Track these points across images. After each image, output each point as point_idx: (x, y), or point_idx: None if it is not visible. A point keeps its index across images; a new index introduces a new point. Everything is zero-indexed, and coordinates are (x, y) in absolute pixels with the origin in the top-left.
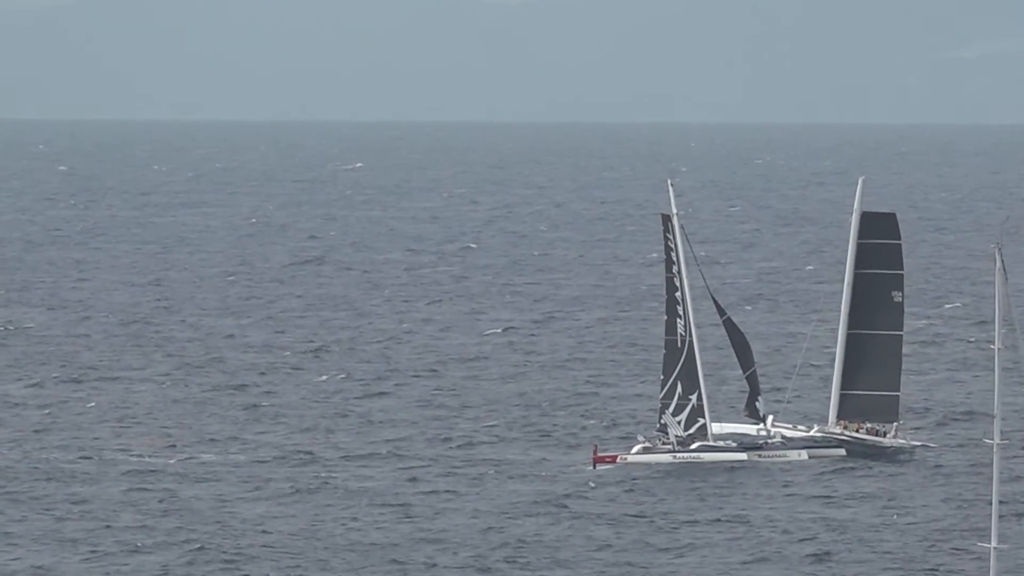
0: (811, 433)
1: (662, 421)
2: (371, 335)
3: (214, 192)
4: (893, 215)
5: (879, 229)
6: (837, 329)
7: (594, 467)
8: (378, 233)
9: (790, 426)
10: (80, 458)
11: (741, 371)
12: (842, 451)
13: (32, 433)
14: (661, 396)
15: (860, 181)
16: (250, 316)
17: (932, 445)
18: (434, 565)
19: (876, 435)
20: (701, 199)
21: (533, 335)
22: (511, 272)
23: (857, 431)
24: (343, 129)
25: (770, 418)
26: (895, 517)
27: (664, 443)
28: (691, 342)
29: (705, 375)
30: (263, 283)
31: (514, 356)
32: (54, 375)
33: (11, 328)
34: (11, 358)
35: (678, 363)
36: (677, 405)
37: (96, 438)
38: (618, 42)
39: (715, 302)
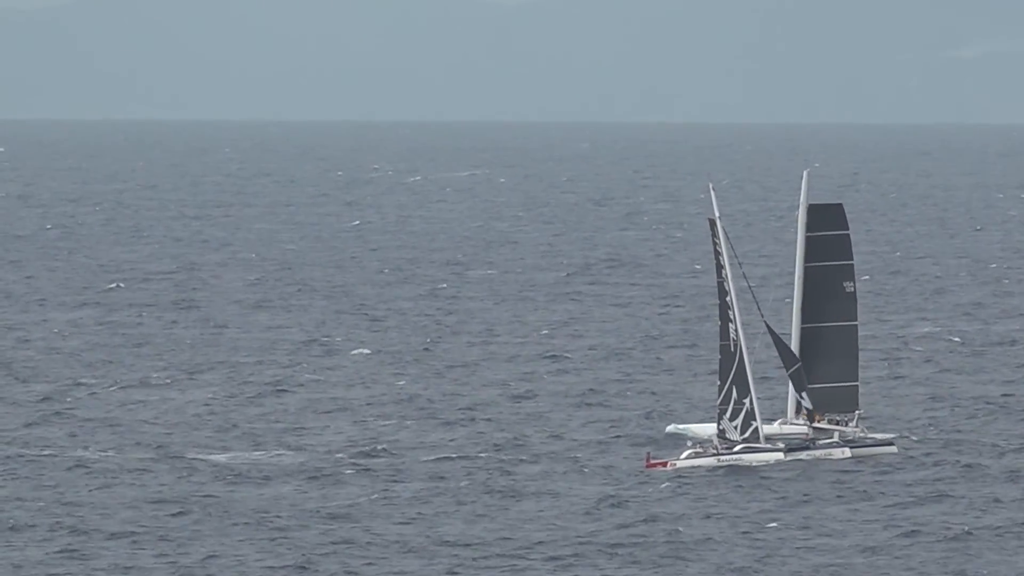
0: (775, 426)
1: (720, 427)
2: (417, 336)
3: (244, 194)
4: (840, 205)
5: (826, 220)
6: (790, 324)
7: (647, 467)
8: (416, 233)
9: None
10: (142, 458)
11: (785, 370)
12: (893, 448)
13: (93, 433)
14: (719, 402)
15: (805, 174)
16: (293, 316)
17: (907, 436)
18: (500, 568)
19: (837, 425)
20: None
21: (575, 337)
22: (550, 272)
23: (818, 422)
24: (344, 130)
25: None
26: (966, 529)
27: (712, 447)
28: (741, 346)
29: (755, 378)
30: (304, 284)
31: (560, 357)
32: (110, 376)
33: (56, 331)
34: (63, 360)
35: (732, 368)
36: (733, 410)
37: (157, 437)
38: (618, 42)
39: (757, 304)
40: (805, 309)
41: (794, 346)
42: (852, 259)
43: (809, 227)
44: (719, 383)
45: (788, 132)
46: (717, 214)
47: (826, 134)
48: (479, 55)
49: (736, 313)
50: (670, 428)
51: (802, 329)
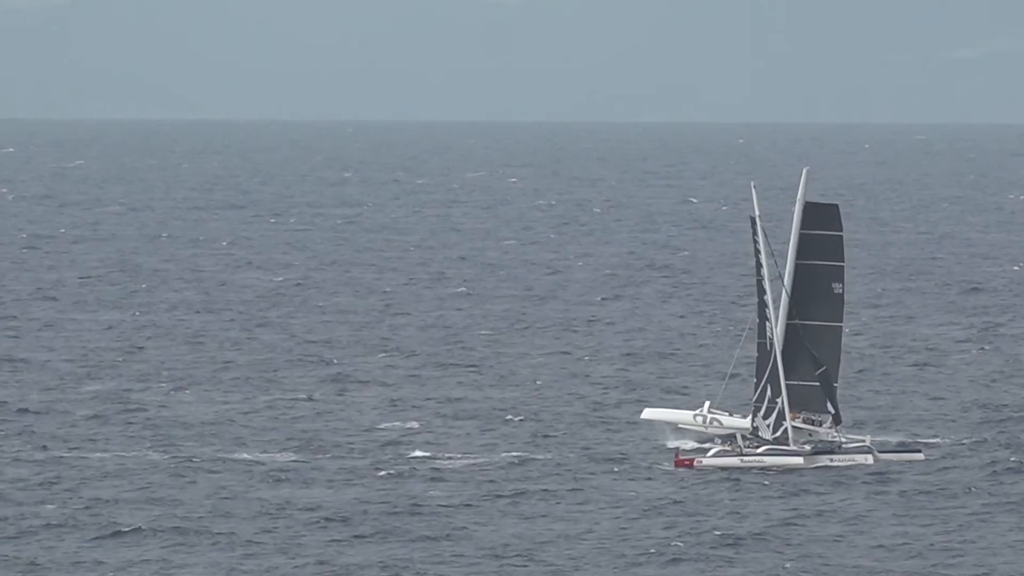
0: (748, 420)
1: (754, 424)
2: (442, 338)
3: (253, 194)
4: (835, 206)
5: (822, 220)
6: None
7: (676, 466)
8: (431, 235)
9: (727, 413)
10: (174, 460)
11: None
12: (920, 455)
13: (118, 433)
14: (754, 399)
15: (804, 172)
16: (315, 318)
17: (933, 442)
18: (530, 570)
19: (812, 425)
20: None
21: (601, 337)
22: (571, 273)
23: (793, 420)
24: (347, 130)
25: (707, 404)
26: (992, 534)
27: (737, 446)
28: (775, 345)
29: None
30: (323, 286)
31: (588, 358)
32: (137, 377)
33: (80, 332)
34: (87, 362)
35: (767, 366)
36: (767, 408)
37: (187, 438)
38: (621, 42)
39: (790, 303)
40: (791, 306)
41: (778, 342)
42: (843, 261)
43: (804, 225)
44: (755, 380)
45: (791, 132)
46: (757, 212)
47: (829, 134)
48: (481, 55)
49: (772, 312)
50: (644, 414)
51: (787, 325)
